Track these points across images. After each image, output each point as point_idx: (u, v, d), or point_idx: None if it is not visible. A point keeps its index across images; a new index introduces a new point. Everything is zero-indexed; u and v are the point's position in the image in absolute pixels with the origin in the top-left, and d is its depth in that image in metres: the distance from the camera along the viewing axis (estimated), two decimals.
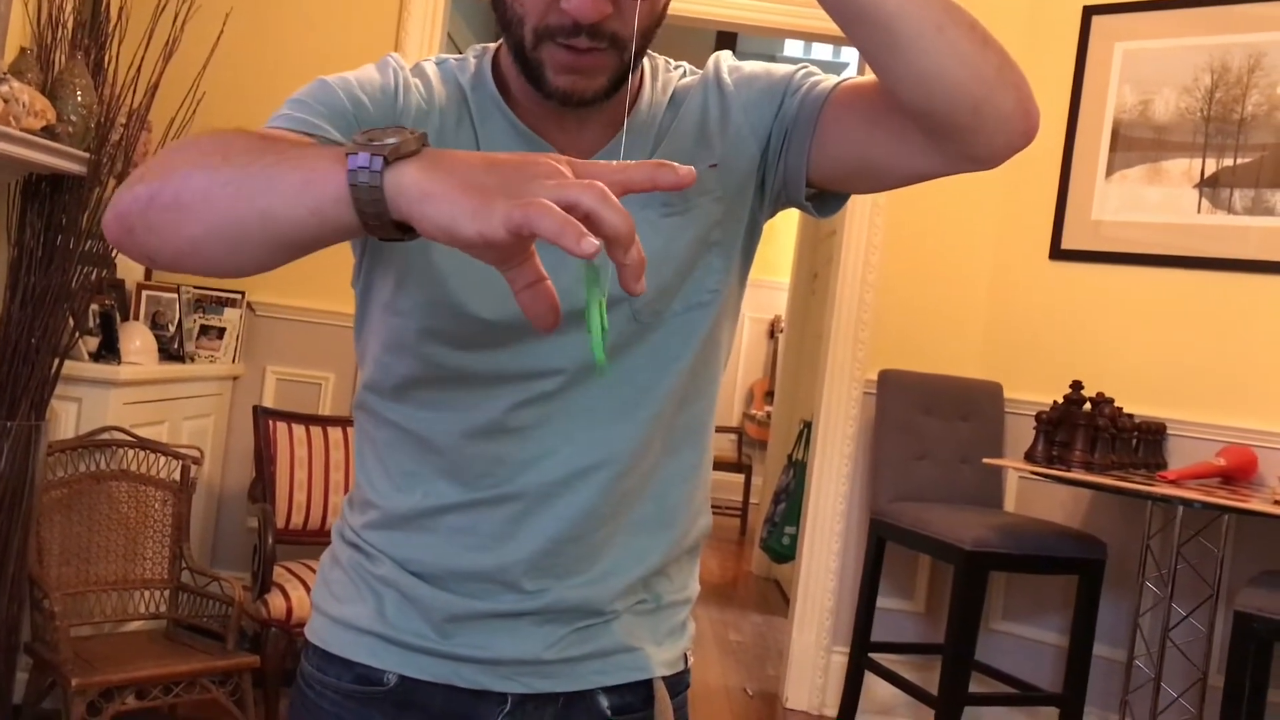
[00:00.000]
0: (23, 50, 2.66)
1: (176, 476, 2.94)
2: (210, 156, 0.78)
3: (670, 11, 1.00)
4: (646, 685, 1.09)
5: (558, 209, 0.65)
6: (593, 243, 0.64)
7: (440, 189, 0.69)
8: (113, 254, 2.93)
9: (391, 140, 0.72)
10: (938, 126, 0.90)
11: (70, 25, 2.77)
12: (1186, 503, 2.80)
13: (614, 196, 0.67)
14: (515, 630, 1.03)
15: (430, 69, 1.05)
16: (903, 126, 0.93)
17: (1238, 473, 3.08)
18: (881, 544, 3.46)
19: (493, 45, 1.06)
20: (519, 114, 1.02)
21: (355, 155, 0.72)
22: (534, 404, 1.00)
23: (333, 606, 1.08)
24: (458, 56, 1.08)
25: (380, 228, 0.73)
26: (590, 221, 0.66)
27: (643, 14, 0.94)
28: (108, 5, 2.84)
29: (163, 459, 2.93)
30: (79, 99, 2.66)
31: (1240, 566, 3.16)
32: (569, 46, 0.92)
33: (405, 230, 0.73)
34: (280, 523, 3.16)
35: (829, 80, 1.04)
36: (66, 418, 2.84)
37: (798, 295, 5.84)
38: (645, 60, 1.05)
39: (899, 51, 0.86)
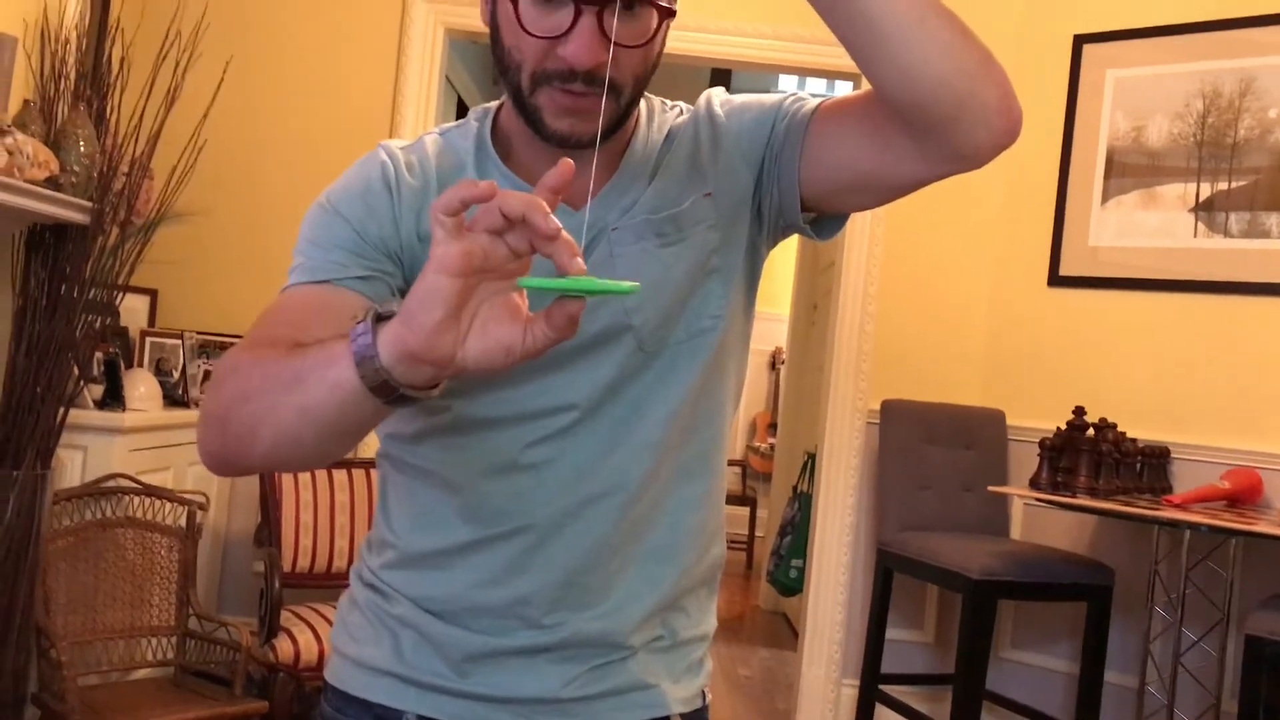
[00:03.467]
0: (26, 102, 2.69)
1: (182, 522, 2.94)
2: (250, 378, 0.85)
3: (664, 49, 1.02)
4: None
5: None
6: (493, 182, 0.72)
7: (408, 300, 0.74)
8: (117, 301, 2.95)
9: (394, 307, 0.77)
10: (923, 122, 0.92)
11: (73, 76, 2.80)
12: (1193, 527, 2.79)
13: (511, 194, 0.72)
14: (532, 668, 1.04)
15: (430, 142, 1.08)
16: (888, 133, 0.96)
17: (1244, 495, 3.08)
18: (889, 574, 3.45)
19: (494, 105, 1.09)
20: (519, 171, 1.04)
21: (355, 324, 0.78)
22: (549, 440, 1.02)
23: (351, 647, 1.09)
24: (460, 123, 1.10)
25: (378, 386, 0.76)
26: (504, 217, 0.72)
27: (636, 60, 0.97)
28: (109, 56, 2.87)
29: (168, 505, 2.94)
30: (82, 149, 2.69)
31: (1250, 590, 3.15)
32: (566, 90, 0.94)
33: (420, 389, 0.78)
34: (286, 566, 3.15)
35: (815, 101, 1.06)
36: (72, 466, 2.85)
37: (798, 327, 5.85)
38: (641, 102, 1.08)
39: (882, 43, 0.88)
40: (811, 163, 1.03)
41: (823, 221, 1.10)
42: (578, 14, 0.92)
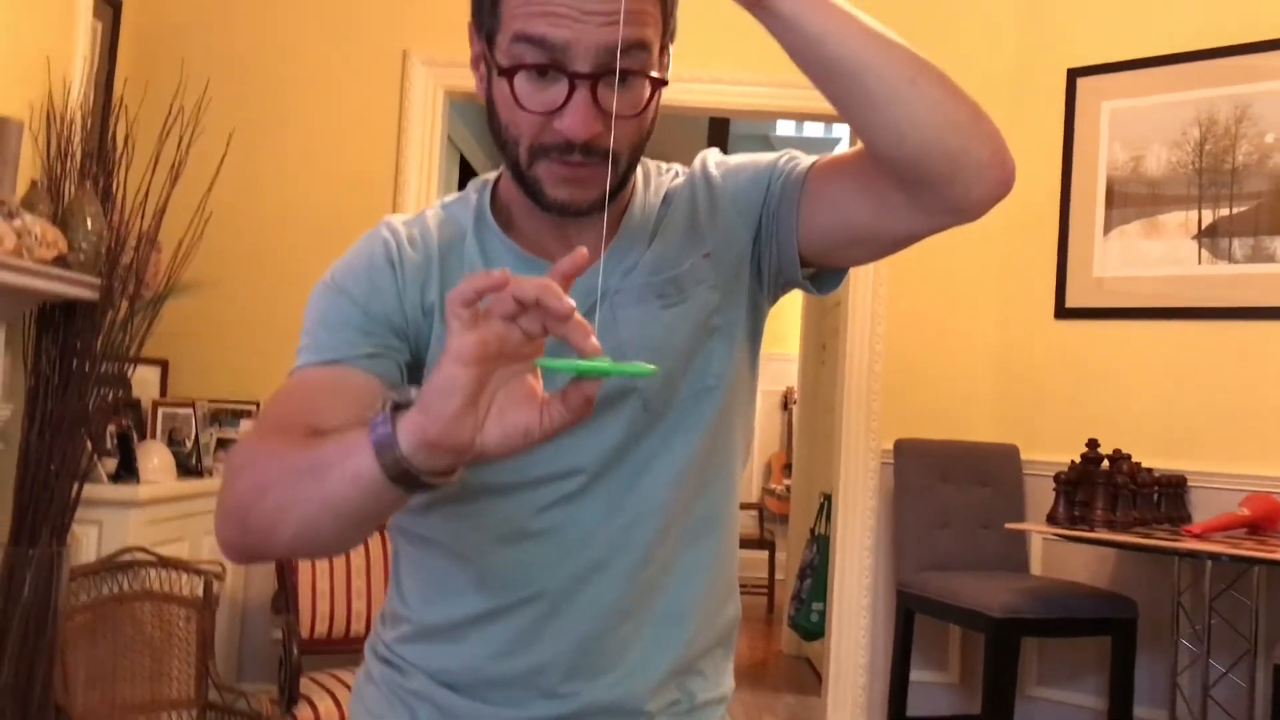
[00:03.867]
0: (33, 184, 2.72)
1: (199, 593, 2.94)
2: (267, 470, 0.85)
3: (663, 100, 1.03)
4: None
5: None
6: (506, 271, 0.72)
7: (425, 390, 0.75)
8: (128, 374, 2.97)
9: (410, 394, 0.78)
10: (917, 178, 0.93)
11: (79, 155, 2.83)
12: (1215, 557, 2.77)
13: (524, 280, 0.73)
14: None
15: (431, 215, 1.09)
16: (883, 189, 0.96)
17: (1264, 521, 3.05)
18: (910, 615, 3.42)
19: (492, 176, 1.10)
20: (520, 240, 1.05)
21: (374, 415, 0.78)
22: (557, 505, 1.02)
23: None
24: (460, 195, 1.12)
25: (399, 475, 0.76)
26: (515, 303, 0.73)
27: (631, 129, 0.97)
28: (114, 133, 2.91)
29: (185, 576, 2.93)
30: (89, 226, 2.72)
31: (1276, 618, 3.12)
32: (564, 162, 0.95)
33: (440, 476, 0.77)
34: (305, 633, 3.14)
35: (809, 159, 1.08)
36: (88, 541, 2.85)
37: (808, 366, 5.84)
38: (638, 167, 1.09)
39: (873, 104, 0.89)
40: (808, 220, 1.04)
41: (822, 276, 1.11)
42: (572, 88, 0.93)
